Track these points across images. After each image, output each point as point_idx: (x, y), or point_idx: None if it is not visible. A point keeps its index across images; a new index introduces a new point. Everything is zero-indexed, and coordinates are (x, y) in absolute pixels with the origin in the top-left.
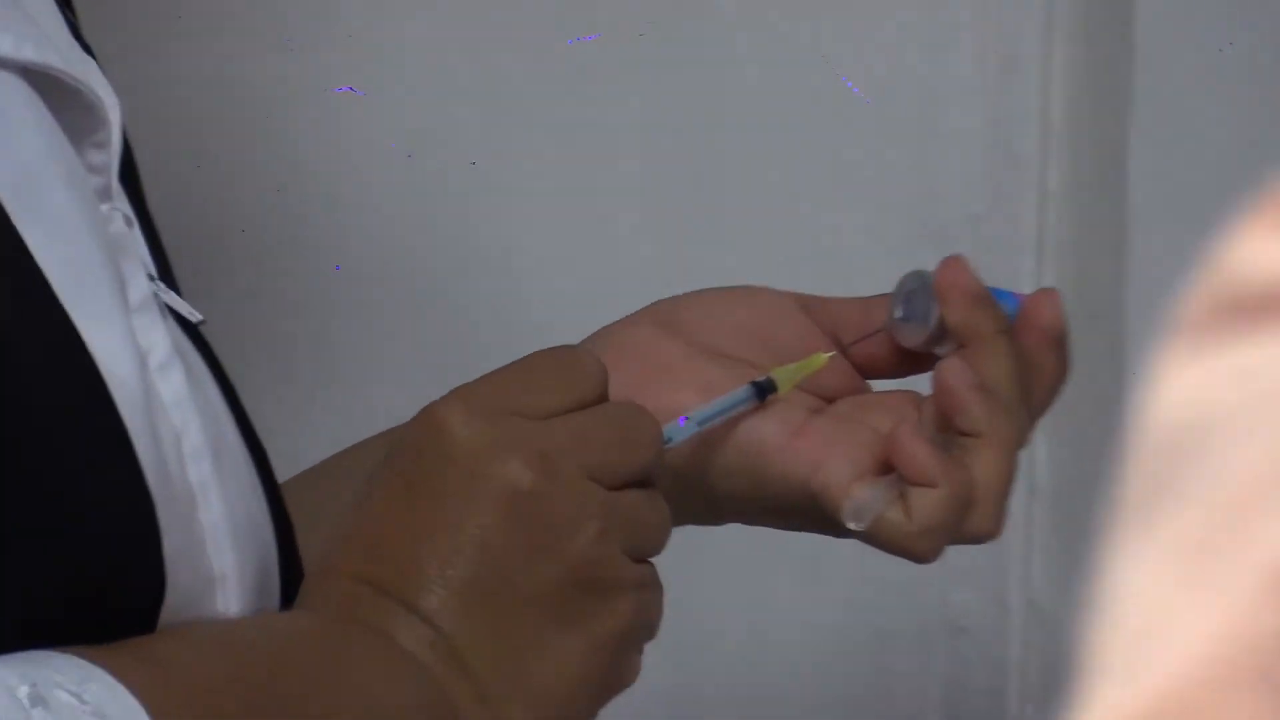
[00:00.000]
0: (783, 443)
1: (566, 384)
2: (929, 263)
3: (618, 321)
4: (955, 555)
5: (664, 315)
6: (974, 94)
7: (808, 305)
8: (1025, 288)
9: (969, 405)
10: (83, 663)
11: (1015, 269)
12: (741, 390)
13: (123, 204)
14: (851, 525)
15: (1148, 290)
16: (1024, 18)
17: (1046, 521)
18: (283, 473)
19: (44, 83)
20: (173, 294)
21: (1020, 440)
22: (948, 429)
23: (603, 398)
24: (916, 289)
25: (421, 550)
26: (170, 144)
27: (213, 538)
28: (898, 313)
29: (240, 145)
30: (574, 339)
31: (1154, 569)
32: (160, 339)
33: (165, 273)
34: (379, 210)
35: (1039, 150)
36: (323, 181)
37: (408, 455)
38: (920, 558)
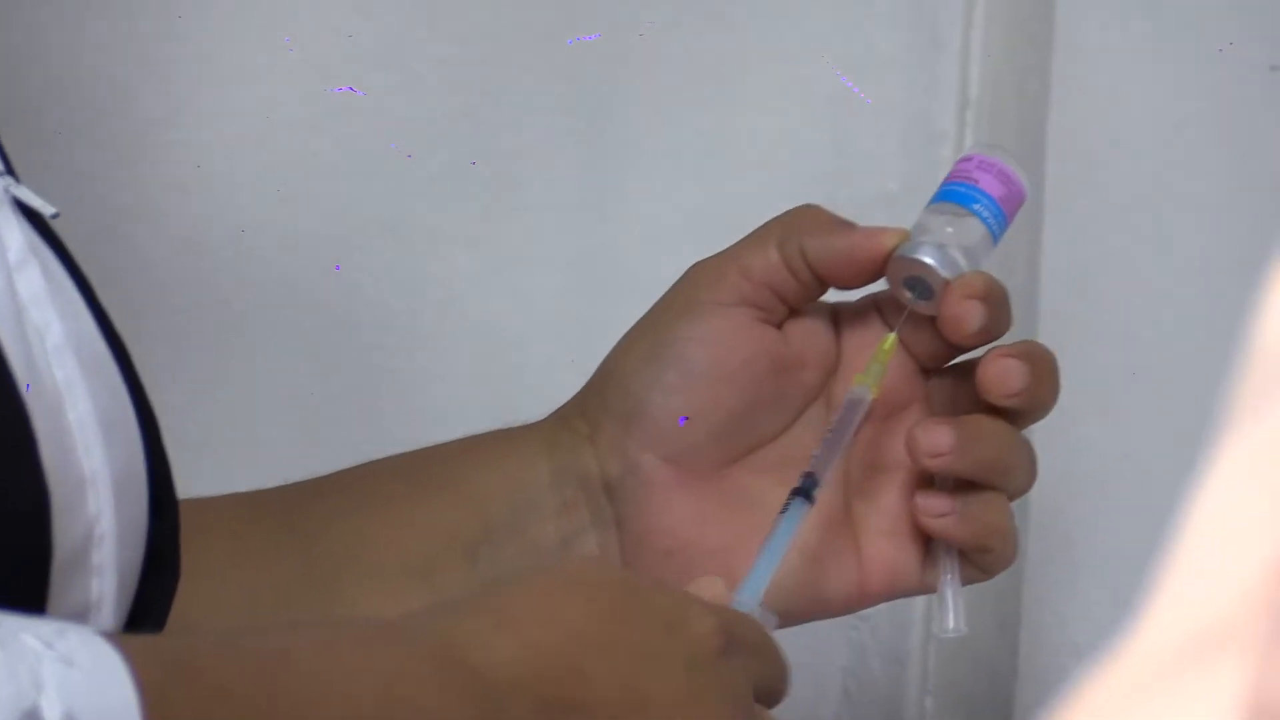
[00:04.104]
0: (852, 592)
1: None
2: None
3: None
4: None
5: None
6: (891, 66)
7: (753, 295)
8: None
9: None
10: (62, 624)
11: None
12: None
13: None
14: (965, 627)
15: (1063, 268)
16: None
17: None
18: (292, 473)
19: None
20: (24, 188)
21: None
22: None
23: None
24: (919, 280)
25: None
26: (170, 144)
27: (82, 437)
28: (907, 295)
29: (240, 146)
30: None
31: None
32: (14, 235)
33: (9, 168)
34: (379, 210)
35: (956, 126)
36: (322, 181)
37: (626, 618)
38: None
